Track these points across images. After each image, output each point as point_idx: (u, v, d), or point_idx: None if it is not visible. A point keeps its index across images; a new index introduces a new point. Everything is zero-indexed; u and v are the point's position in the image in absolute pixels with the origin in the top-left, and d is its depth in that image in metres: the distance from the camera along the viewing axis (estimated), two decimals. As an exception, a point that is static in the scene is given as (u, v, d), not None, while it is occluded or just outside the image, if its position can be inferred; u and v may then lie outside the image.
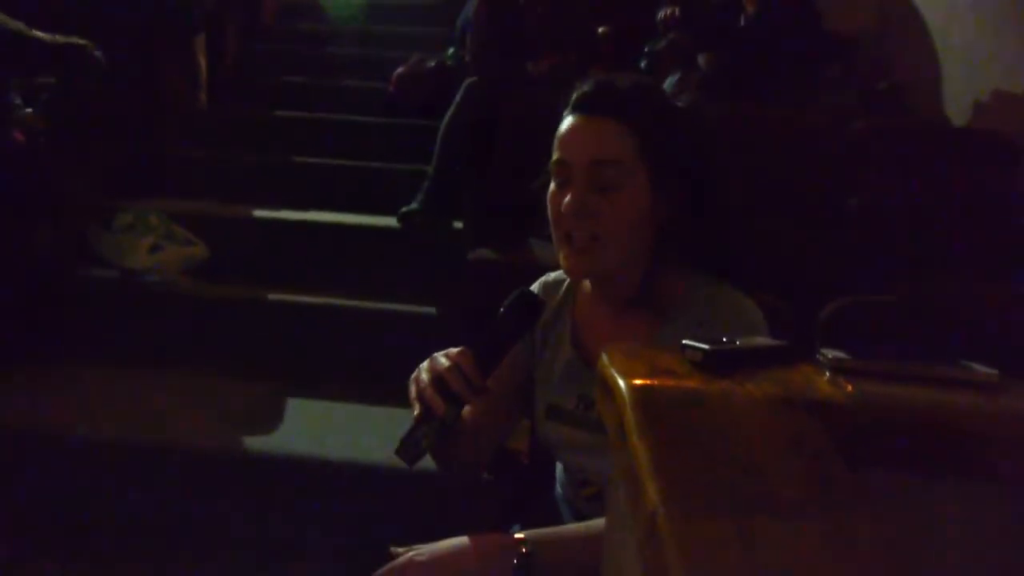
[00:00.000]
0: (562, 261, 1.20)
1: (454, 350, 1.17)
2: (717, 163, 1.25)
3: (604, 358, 0.80)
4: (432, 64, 4.15)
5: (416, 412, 1.14)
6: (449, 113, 3.26)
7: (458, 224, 3.19)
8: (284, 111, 4.10)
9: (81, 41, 2.75)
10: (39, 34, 2.65)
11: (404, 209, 3.15)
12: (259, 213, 3.24)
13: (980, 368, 0.79)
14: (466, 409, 1.25)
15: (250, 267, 2.97)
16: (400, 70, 4.13)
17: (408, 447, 1.14)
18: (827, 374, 0.78)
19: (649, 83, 1.29)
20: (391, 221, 3.15)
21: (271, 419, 2.39)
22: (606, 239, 1.16)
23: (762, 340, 0.85)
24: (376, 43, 5.10)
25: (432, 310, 2.73)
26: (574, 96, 1.21)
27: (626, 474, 0.68)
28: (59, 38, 2.71)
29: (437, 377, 1.14)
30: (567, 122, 1.20)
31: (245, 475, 2.14)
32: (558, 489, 1.39)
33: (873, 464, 0.68)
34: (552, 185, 1.20)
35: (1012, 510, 0.71)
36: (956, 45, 3.18)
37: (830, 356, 0.80)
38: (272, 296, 2.81)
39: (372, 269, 2.98)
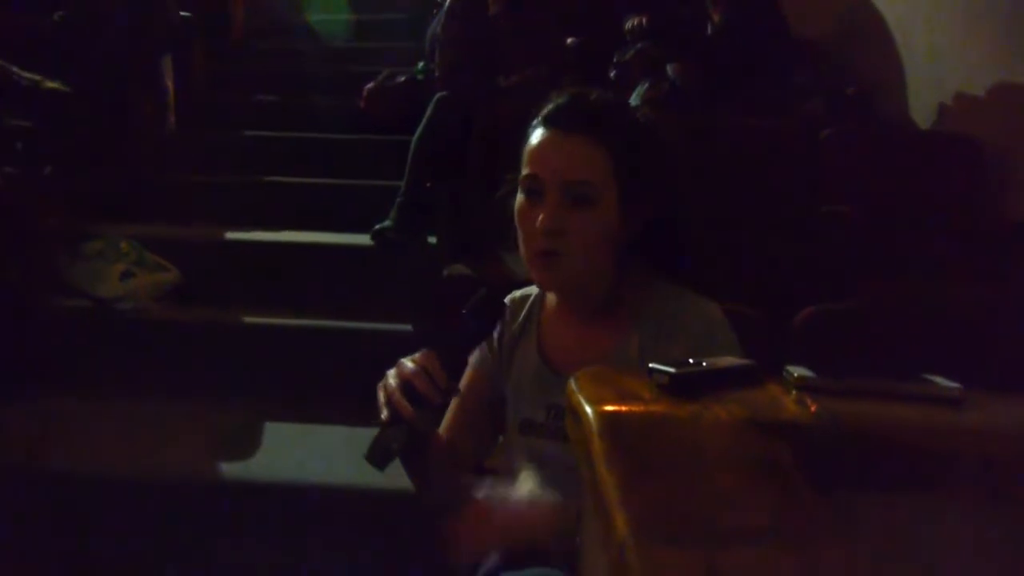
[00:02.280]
0: (534, 274, 1.22)
1: (419, 354, 1.18)
2: (681, 178, 1.26)
3: (572, 384, 0.80)
4: (402, 79, 4.14)
5: (384, 416, 1.16)
6: (419, 128, 3.25)
7: (432, 240, 3.19)
8: (254, 131, 4.07)
9: (59, 86, 2.72)
10: (23, 75, 2.62)
11: (377, 227, 3.14)
12: (231, 235, 3.21)
13: (942, 382, 0.80)
14: (441, 429, 1.25)
15: (223, 291, 2.94)
16: (370, 85, 4.12)
17: (377, 450, 1.15)
18: (793, 393, 0.79)
19: (621, 101, 1.32)
20: (365, 239, 3.14)
21: (249, 444, 2.36)
22: (576, 254, 1.18)
23: (728, 360, 0.86)
24: (345, 59, 5.09)
25: (407, 327, 2.72)
26: (548, 109, 1.21)
27: (595, 503, 0.68)
28: (41, 81, 2.67)
29: (404, 381, 1.15)
30: (540, 135, 1.20)
31: (223, 502, 2.12)
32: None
33: (840, 485, 0.69)
34: (521, 198, 1.21)
35: (978, 525, 0.71)
36: (919, 49, 3.22)
37: (796, 375, 0.81)
38: (247, 319, 2.79)
39: (346, 288, 2.96)
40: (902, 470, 0.71)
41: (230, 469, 2.22)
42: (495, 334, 1.33)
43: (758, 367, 0.85)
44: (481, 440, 1.36)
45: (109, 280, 2.77)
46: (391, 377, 1.17)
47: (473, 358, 1.35)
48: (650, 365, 0.80)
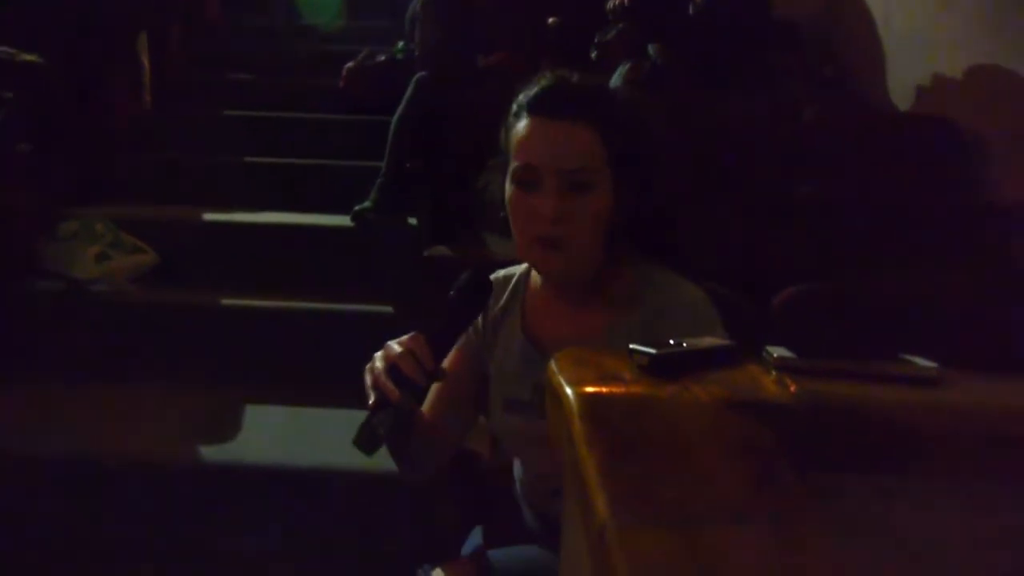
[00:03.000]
0: (536, 261, 1.22)
1: (406, 336, 1.18)
2: (666, 160, 1.27)
3: (552, 365, 0.80)
4: (382, 58, 4.11)
5: (371, 400, 1.16)
6: (399, 108, 3.23)
7: (412, 220, 3.18)
8: (232, 110, 4.03)
9: (35, 59, 2.67)
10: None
11: (357, 207, 3.12)
12: (208, 216, 3.18)
13: (920, 362, 0.81)
14: (423, 407, 1.26)
15: (201, 272, 2.92)
16: (350, 65, 4.09)
17: (365, 435, 1.14)
18: (773, 373, 0.79)
19: (603, 83, 1.32)
20: (344, 220, 3.12)
21: (228, 426, 2.35)
22: (579, 239, 1.18)
23: (709, 340, 0.86)
24: (325, 37, 5.04)
25: (389, 309, 2.71)
26: (533, 95, 1.20)
27: (575, 484, 0.68)
28: (16, 54, 2.62)
29: (390, 364, 1.15)
30: (530, 124, 1.18)
31: (202, 485, 2.11)
32: (517, 488, 1.39)
33: (819, 465, 0.69)
34: (512, 188, 1.20)
35: (954, 503, 0.72)
36: (898, 29, 3.22)
37: (775, 355, 0.81)
38: (224, 301, 2.77)
39: (326, 269, 2.95)
40: (880, 449, 0.72)
41: (209, 452, 2.21)
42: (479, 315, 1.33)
43: (738, 347, 0.85)
44: (463, 419, 1.36)
45: (84, 262, 2.74)
46: (378, 360, 1.17)
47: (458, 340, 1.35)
48: (630, 346, 0.80)
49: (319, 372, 2.56)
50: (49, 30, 3.14)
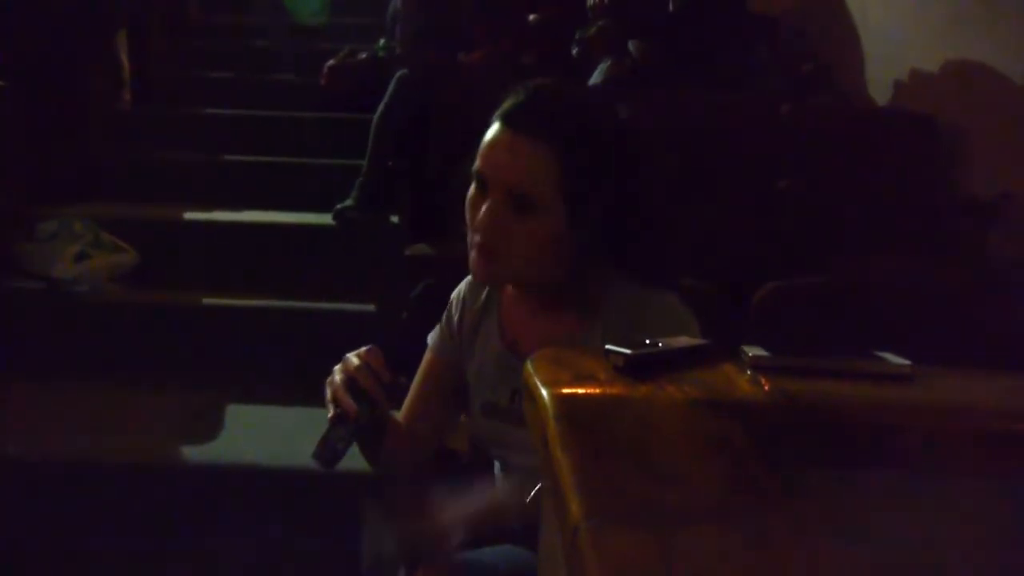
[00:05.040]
0: (470, 263, 1.20)
1: (363, 349, 1.19)
2: (642, 173, 1.24)
3: (528, 365, 0.80)
4: (363, 56, 4.10)
5: (330, 414, 1.16)
6: (381, 106, 3.22)
7: (394, 219, 3.17)
8: (213, 108, 4.00)
9: None
10: None
11: (339, 206, 3.11)
12: (189, 215, 3.17)
13: (893, 359, 0.81)
14: (400, 412, 1.27)
15: (182, 272, 2.91)
16: (331, 62, 4.07)
17: (323, 450, 1.15)
18: (748, 372, 0.79)
19: (581, 100, 1.26)
20: (326, 218, 3.11)
21: (209, 427, 2.34)
22: (513, 255, 1.16)
23: (684, 340, 0.86)
24: (306, 35, 5.01)
25: (371, 307, 2.71)
26: (506, 104, 1.18)
27: (551, 486, 0.68)
28: None
29: (349, 377, 1.16)
30: (494, 131, 1.17)
31: (181, 485, 2.10)
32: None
33: (793, 463, 0.70)
34: (472, 187, 1.19)
35: (926, 500, 0.73)
36: (875, 25, 3.25)
37: (750, 354, 0.81)
38: (206, 300, 2.76)
39: (308, 268, 2.94)
40: (853, 447, 0.73)
41: (189, 452, 2.21)
42: (455, 317, 1.33)
43: (714, 347, 0.86)
44: (439, 423, 1.36)
45: (64, 261, 2.72)
46: (336, 373, 1.18)
47: (432, 341, 1.35)
48: (606, 347, 0.80)
49: (300, 371, 2.55)
50: (27, 28, 3.11)
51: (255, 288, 2.81)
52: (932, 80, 2.79)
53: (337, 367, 1.19)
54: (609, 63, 3.33)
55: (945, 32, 2.76)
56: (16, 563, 1.98)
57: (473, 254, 1.18)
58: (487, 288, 1.32)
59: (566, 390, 0.73)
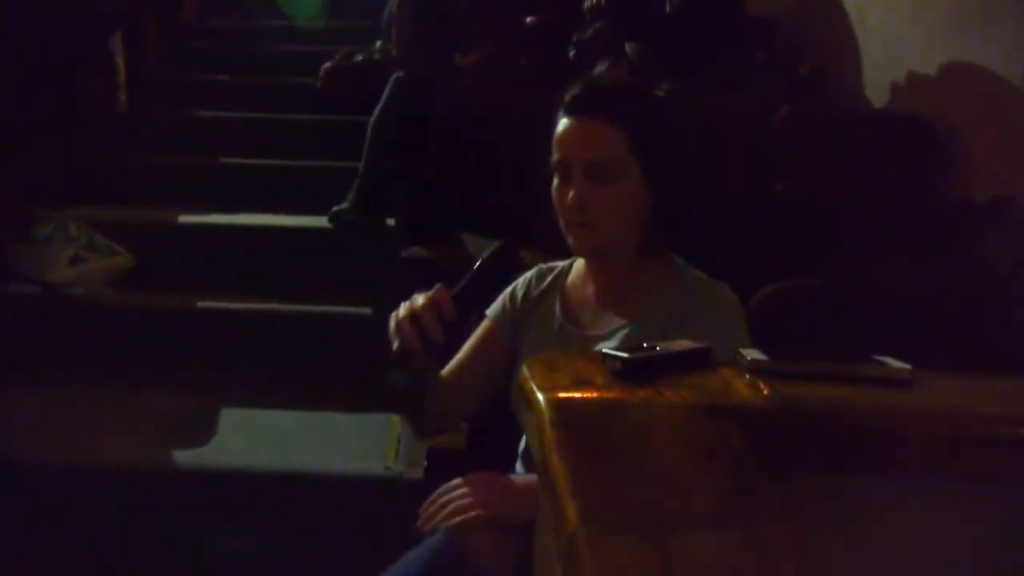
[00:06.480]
0: (570, 242, 1.33)
1: (433, 289, 1.26)
2: (697, 150, 1.37)
3: (525, 370, 0.80)
4: (360, 58, 4.09)
5: (394, 346, 1.22)
6: (377, 109, 3.21)
7: (390, 222, 3.16)
8: (209, 110, 3.99)
9: None
10: None
11: (335, 208, 3.10)
12: (185, 218, 3.15)
13: (893, 364, 0.81)
14: (446, 367, 1.36)
15: (178, 275, 2.89)
16: (327, 65, 4.06)
17: (387, 389, 1.22)
18: (746, 376, 0.79)
19: (634, 82, 1.47)
20: (322, 221, 3.10)
21: (206, 430, 2.33)
22: (603, 223, 1.30)
23: (682, 344, 0.85)
24: (302, 37, 5.00)
25: (367, 310, 2.70)
26: (565, 99, 1.33)
27: (547, 491, 0.67)
28: None
29: (413, 316, 1.23)
30: (562, 124, 1.32)
31: (179, 490, 2.09)
32: (519, 468, 1.41)
33: (790, 468, 0.69)
34: (555, 180, 1.33)
35: (926, 504, 0.72)
36: (873, 26, 3.24)
37: (749, 358, 0.80)
38: (201, 303, 2.75)
39: (304, 271, 2.93)
40: (852, 452, 0.72)
41: (186, 455, 2.19)
42: (519, 294, 1.42)
43: (712, 351, 0.85)
44: (483, 387, 1.42)
45: (59, 265, 2.71)
46: (402, 308, 1.25)
47: (492, 311, 1.43)
48: (603, 351, 0.80)
49: (296, 374, 2.55)
50: (23, 29, 3.10)
51: (251, 291, 2.80)
52: (930, 82, 2.78)
53: (404, 303, 1.25)
54: (606, 65, 3.32)
55: (944, 34, 2.76)
56: (15, 564, 1.97)
57: (572, 233, 1.32)
58: (554, 274, 1.43)
59: (563, 394, 0.72)
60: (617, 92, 1.37)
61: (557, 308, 1.39)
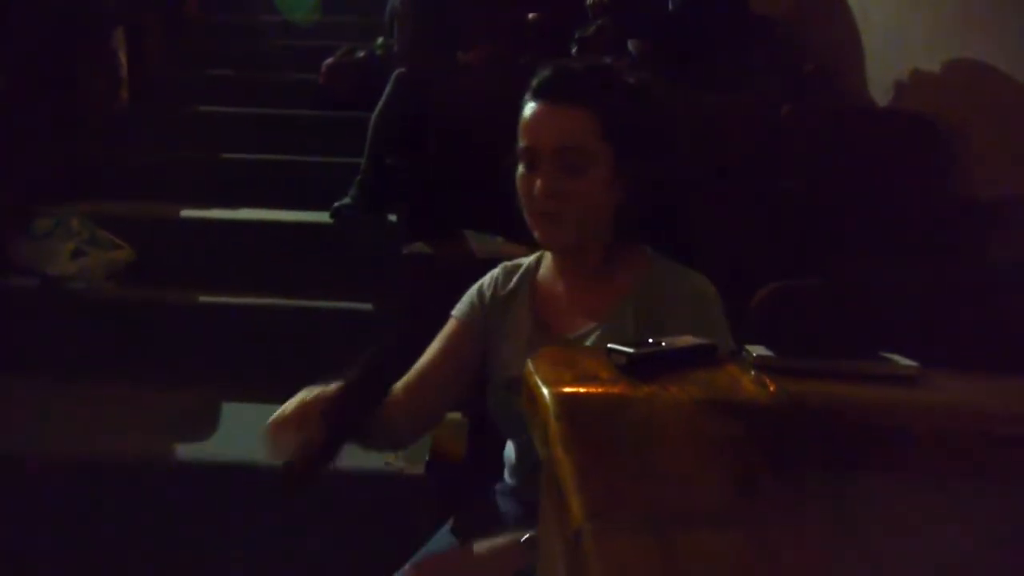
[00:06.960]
0: (536, 235, 1.27)
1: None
2: (674, 141, 1.31)
3: (529, 365, 0.79)
4: (362, 54, 4.08)
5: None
6: (379, 105, 3.21)
7: (392, 217, 3.16)
8: (210, 106, 3.99)
9: None
10: None
11: (337, 204, 3.10)
12: (187, 213, 3.15)
13: (901, 360, 0.80)
14: (406, 377, 1.32)
15: (179, 269, 2.89)
16: (329, 61, 4.05)
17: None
18: (752, 373, 0.78)
19: (607, 66, 1.33)
20: (323, 217, 3.10)
21: (206, 425, 2.33)
22: (572, 214, 1.23)
23: (687, 340, 0.85)
24: (304, 33, 4.99)
25: (368, 306, 2.70)
26: (534, 83, 1.26)
27: (552, 487, 0.67)
28: None
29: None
30: (530, 109, 1.25)
31: (179, 485, 2.09)
32: (506, 479, 1.39)
33: (796, 465, 0.69)
34: (521, 168, 1.26)
35: (932, 502, 0.72)
36: (876, 24, 3.24)
37: (754, 354, 0.80)
38: (203, 298, 2.75)
39: (306, 266, 2.93)
40: (858, 449, 0.71)
41: (186, 450, 2.19)
42: (487, 293, 1.36)
43: (717, 347, 0.85)
44: (452, 390, 1.36)
45: (60, 259, 2.71)
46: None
47: (458, 311, 1.37)
48: (608, 346, 0.79)
49: (297, 370, 2.53)
50: (24, 25, 3.10)
51: (252, 286, 2.79)
52: (934, 80, 2.78)
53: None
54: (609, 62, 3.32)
55: (947, 32, 2.76)
56: (15, 563, 1.96)
57: (538, 225, 1.25)
58: (522, 271, 1.37)
59: (568, 389, 0.72)
60: (590, 75, 1.26)
61: (527, 309, 1.33)
